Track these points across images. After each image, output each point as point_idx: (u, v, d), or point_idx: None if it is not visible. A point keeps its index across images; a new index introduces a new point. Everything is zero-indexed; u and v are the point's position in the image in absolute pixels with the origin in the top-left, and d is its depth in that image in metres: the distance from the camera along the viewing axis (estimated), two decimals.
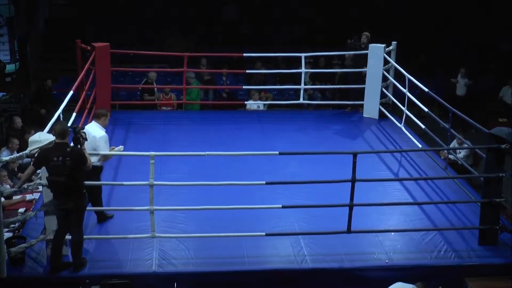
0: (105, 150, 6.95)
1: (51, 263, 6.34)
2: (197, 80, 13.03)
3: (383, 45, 10.82)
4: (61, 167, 6.02)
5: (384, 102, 11.12)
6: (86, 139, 6.36)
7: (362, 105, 11.37)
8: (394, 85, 10.80)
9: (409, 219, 7.52)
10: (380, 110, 11.07)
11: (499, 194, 6.96)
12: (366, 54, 11.03)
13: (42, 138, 6.35)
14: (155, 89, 12.82)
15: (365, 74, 11.20)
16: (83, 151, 6.22)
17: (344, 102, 11.86)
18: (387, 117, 10.89)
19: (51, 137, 6.26)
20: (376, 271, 6.67)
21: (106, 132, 7.15)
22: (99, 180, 7.05)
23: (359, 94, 11.31)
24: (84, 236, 6.42)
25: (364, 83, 11.17)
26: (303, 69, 11.42)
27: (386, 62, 10.80)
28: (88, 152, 6.41)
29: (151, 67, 14.04)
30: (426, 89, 9.48)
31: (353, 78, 11.54)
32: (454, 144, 9.75)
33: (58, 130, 6.13)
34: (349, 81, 11.76)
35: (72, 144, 6.25)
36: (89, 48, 10.41)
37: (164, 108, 12.42)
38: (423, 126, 9.57)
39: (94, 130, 7.01)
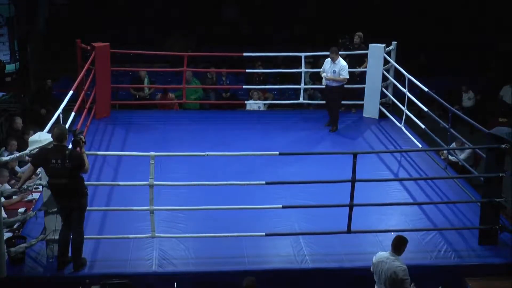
0: (347, 73, 10.09)
1: (59, 259, 6.34)
2: (197, 78, 12.98)
3: (383, 45, 10.81)
4: (61, 170, 6.02)
5: (384, 102, 11.11)
6: (85, 143, 6.34)
7: (355, 106, 11.38)
8: (394, 85, 10.79)
9: (409, 219, 7.53)
10: (380, 110, 11.06)
11: (499, 194, 6.97)
12: (359, 55, 11.03)
13: (42, 138, 6.36)
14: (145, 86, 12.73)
15: (358, 75, 11.18)
16: (82, 155, 6.20)
17: (344, 102, 11.83)
18: (387, 117, 10.88)
19: (51, 137, 6.25)
20: None
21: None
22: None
23: (352, 94, 11.25)
24: (84, 236, 6.41)
25: (356, 83, 11.14)
26: (303, 69, 11.42)
27: (386, 62, 10.80)
28: (86, 152, 6.40)
29: (151, 67, 14.04)
30: (426, 89, 9.48)
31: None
32: (454, 145, 9.73)
33: (56, 134, 6.10)
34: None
35: (71, 146, 6.24)
36: (89, 48, 10.41)
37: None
38: (423, 126, 9.56)
39: (342, 61, 10.05)
